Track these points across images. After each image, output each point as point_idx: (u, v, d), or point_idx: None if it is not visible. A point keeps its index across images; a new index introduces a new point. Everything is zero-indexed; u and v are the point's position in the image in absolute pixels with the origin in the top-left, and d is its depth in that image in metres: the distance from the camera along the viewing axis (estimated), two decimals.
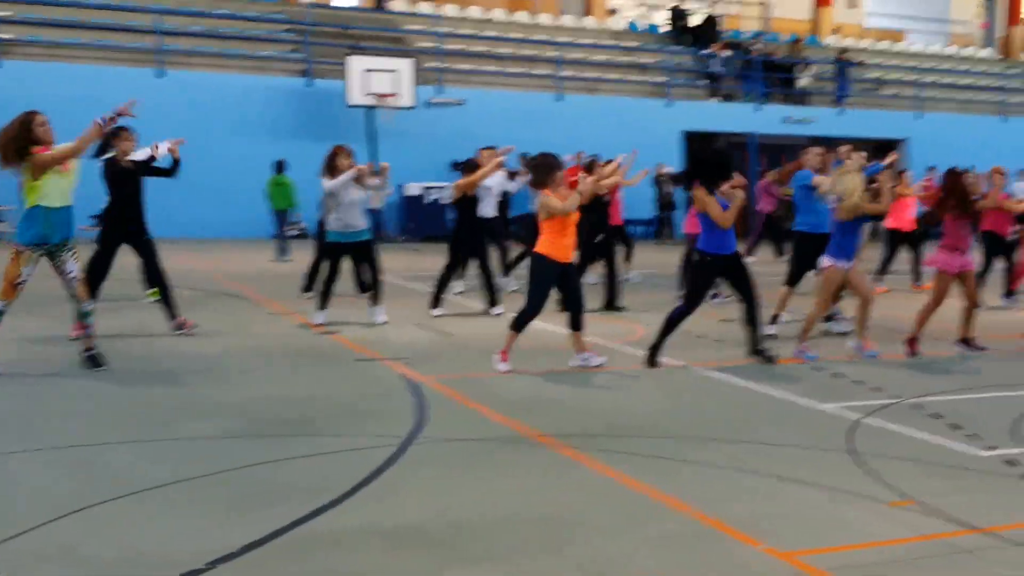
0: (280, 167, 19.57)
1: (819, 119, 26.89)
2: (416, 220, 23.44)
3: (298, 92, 23.39)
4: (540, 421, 7.39)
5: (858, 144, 24.97)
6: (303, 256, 19.06)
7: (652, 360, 9.52)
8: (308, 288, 13.50)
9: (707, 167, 9.61)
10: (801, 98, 27.84)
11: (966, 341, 10.56)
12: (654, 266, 18.13)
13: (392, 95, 22.34)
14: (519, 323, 9.29)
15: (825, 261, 10.05)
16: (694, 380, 9.08)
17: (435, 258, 18.94)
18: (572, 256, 9.39)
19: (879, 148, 27.16)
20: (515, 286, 14.49)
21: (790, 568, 4.80)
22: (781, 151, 25.66)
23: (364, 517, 5.40)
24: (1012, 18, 34.39)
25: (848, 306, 11.46)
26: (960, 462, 6.57)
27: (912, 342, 10.35)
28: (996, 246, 14.04)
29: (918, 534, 5.23)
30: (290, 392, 8.36)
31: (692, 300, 9.57)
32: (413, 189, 23.24)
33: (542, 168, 9.24)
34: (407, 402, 7.96)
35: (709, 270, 9.58)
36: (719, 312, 12.61)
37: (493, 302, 12.55)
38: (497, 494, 5.82)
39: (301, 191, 19.55)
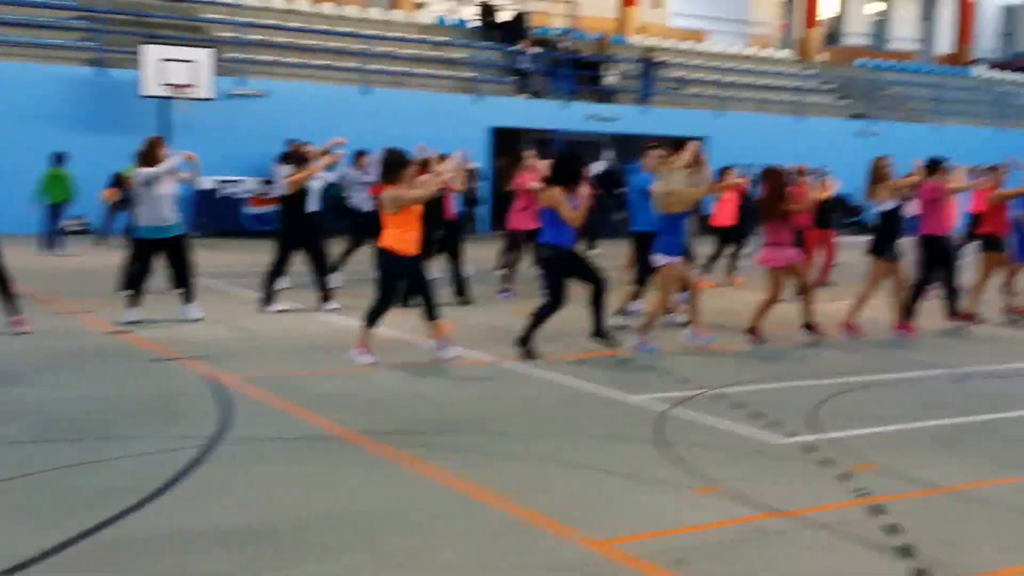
0: (59, 159, 18.89)
1: (624, 117, 27.60)
2: (209, 215, 22.84)
3: (88, 82, 22.53)
4: (352, 419, 7.36)
5: (660, 141, 25.87)
6: (82, 251, 18.52)
7: (527, 352, 9.80)
8: (128, 286, 13.01)
9: (567, 168, 9.89)
10: (607, 96, 28.51)
11: (809, 327, 11.13)
12: (471, 260, 18.21)
13: (190, 86, 21.77)
14: (371, 317, 9.42)
15: (659, 260, 10.39)
16: (504, 375, 9.20)
17: (230, 254, 18.62)
18: (418, 248, 9.51)
19: (681, 146, 28.15)
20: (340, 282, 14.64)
21: (604, 556, 4.93)
22: (586, 148, 26.21)
23: (174, 519, 5.28)
24: (809, 20, 36.10)
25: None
26: (762, 449, 6.87)
27: (753, 331, 10.93)
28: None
29: (726, 519, 5.46)
30: (88, 393, 8.09)
31: (555, 295, 9.81)
32: (206, 183, 22.67)
33: (393, 165, 9.36)
34: (212, 402, 7.79)
35: (559, 263, 9.81)
36: (516, 307, 12.74)
37: (326, 298, 12.43)
38: (310, 493, 5.77)
39: (86, 184, 18.90)
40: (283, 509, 5.51)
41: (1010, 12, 43.61)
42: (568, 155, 10.28)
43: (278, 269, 12.41)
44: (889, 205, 11.39)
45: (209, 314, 11.66)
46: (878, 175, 11.42)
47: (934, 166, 12.13)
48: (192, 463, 6.21)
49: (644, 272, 11.66)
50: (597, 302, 9.99)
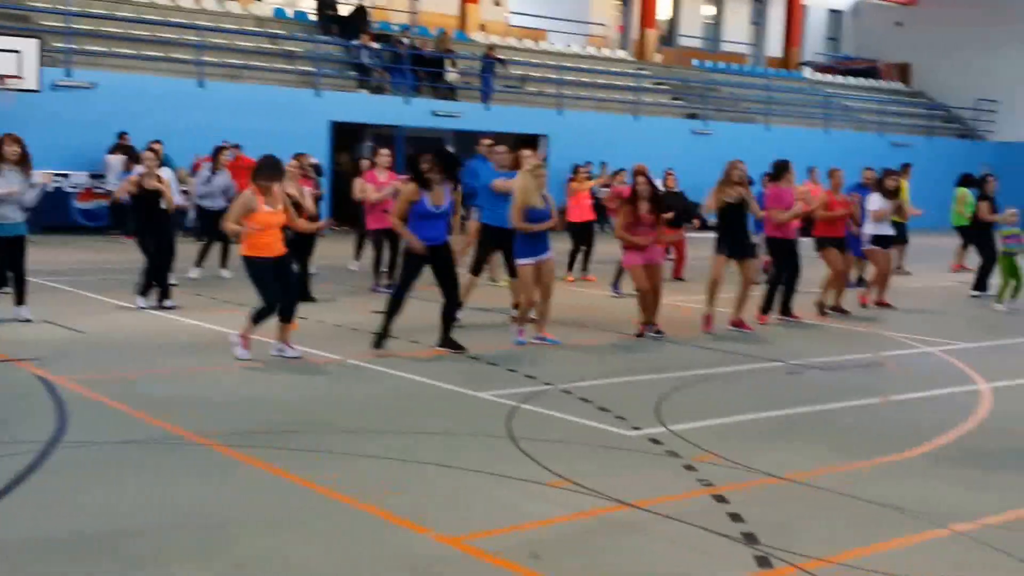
0: None
1: (466, 114, 27.66)
2: (36, 210, 21.90)
3: None
4: (196, 421, 7.21)
5: (502, 139, 26.07)
6: None
7: (379, 343, 9.89)
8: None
9: (445, 164, 9.96)
10: (449, 92, 28.54)
11: (649, 324, 11.36)
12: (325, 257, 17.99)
13: (14, 76, 20.89)
14: (258, 318, 9.39)
15: (518, 262, 10.50)
16: (354, 373, 9.15)
17: (60, 251, 17.94)
18: (282, 249, 9.49)
19: (522, 143, 28.41)
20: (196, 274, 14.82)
21: (456, 552, 4.97)
22: (428, 144, 26.20)
23: (8, 530, 5.08)
24: (646, 21, 36.82)
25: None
26: (611, 443, 7.02)
27: (644, 325, 11.25)
28: None
29: (578, 511, 5.56)
30: None
31: (405, 283, 9.93)
32: (37, 177, 21.79)
33: (269, 168, 9.44)
34: (46, 406, 7.52)
35: (419, 258, 9.84)
36: (372, 304, 12.70)
37: (164, 295, 12.15)
38: (154, 498, 5.63)
39: None
40: (125, 515, 5.36)
41: (836, 17, 45.40)
42: (434, 150, 10.31)
43: (153, 266, 12.13)
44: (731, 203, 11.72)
45: (41, 314, 11.22)
46: (726, 177, 11.68)
47: (779, 170, 12.58)
48: (26, 470, 5.98)
49: (480, 263, 11.76)
50: (448, 311, 10.09)
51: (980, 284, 15.97)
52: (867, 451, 7.00)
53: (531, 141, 29.00)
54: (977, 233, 16.59)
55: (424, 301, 11.29)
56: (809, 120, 35.27)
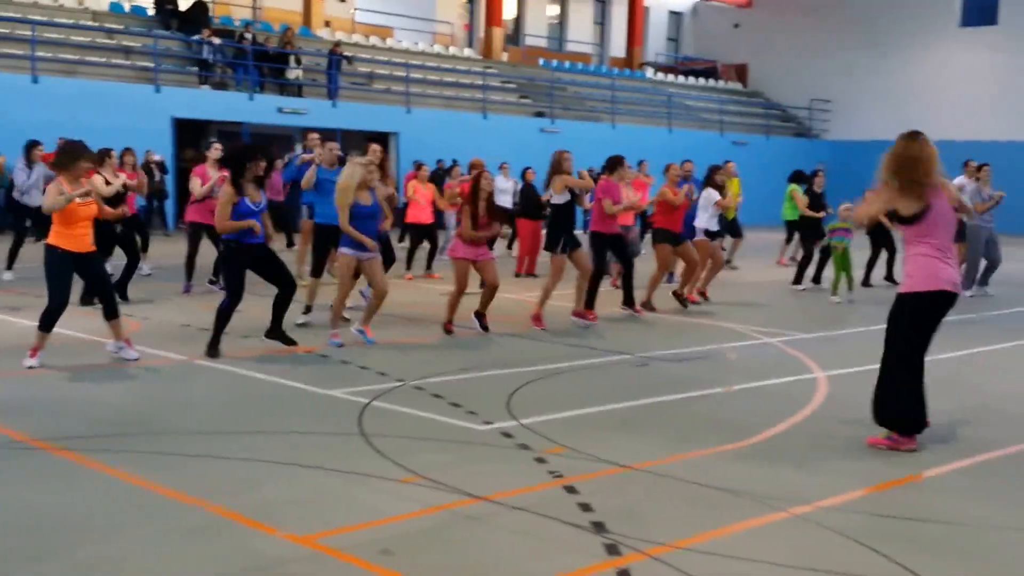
0: None
1: (313, 111, 27.38)
2: None
3: None
4: (28, 424, 6.97)
5: (351, 136, 25.88)
6: None
7: (215, 350, 9.56)
8: None
9: (233, 162, 9.70)
10: (295, 89, 28.20)
11: (479, 315, 11.40)
12: (158, 256, 17.57)
13: None
14: (45, 322, 8.92)
15: (340, 251, 10.36)
16: (201, 374, 8.97)
17: None
18: (90, 245, 9.10)
19: (371, 141, 28.26)
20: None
21: (308, 551, 4.92)
22: (275, 141, 25.85)
23: None
24: (492, 20, 37.04)
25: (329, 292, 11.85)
26: (462, 437, 7.04)
27: (448, 324, 11.22)
28: None
29: (429, 507, 5.56)
30: None
31: (234, 291, 9.63)
32: None
33: (70, 153, 9.01)
34: None
35: (239, 259, 9.62)
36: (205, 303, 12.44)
37: None
38: None
39: None
40: None
41: (676, 19, 46.50)
42: (235, 148, 10.13)
43: None
44: (560, 200, 11.85)
45: None
46: (556, 168, 11.85)
47: (612, 164, 12.78)
48: None
49: (320, 265, 11.65)
50: (280, 304, 9.91)
51: (799, 277, 16.57)
52: (711, 439, 7.19)
53: (381, 139, 29.04)
54: (803, 227, 17.23)
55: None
56: (653, 119, 36.03)
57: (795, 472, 6.48)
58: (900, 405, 6.99)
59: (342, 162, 11.25)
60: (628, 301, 13.13)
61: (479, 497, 5.71)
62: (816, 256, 16.58)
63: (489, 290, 11.30)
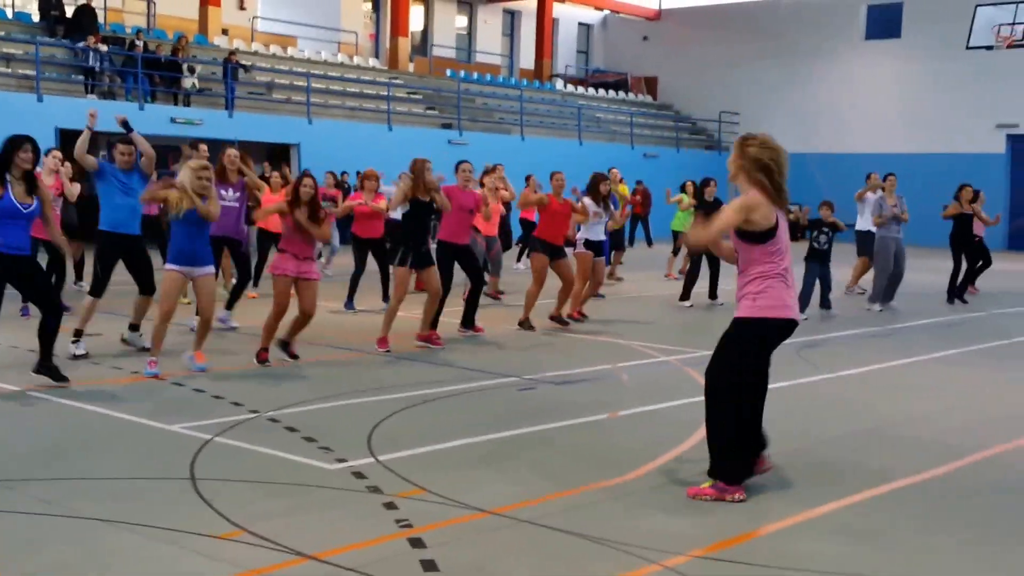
0: None
1: (208, 121, 26.34)
2: None
3: None
4: None
5: (249, 147, 24.92)
6: None
7: (50, 376, 8.64)
8: None
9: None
10: (189, 99, 27.14)
11: (285, 345, 10.34)
12: None
13: None
14: None
15: (166, 267, 9.48)
16: (29, 406, 8.07)
17: None
18: None
19: (272, 152, 27.31)
20: None
21: None
22: (169, 152, 24.77)
23: None
24: (398, 30, 36.19)
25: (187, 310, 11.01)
26: (307, 479, 6.28)
27: (263, 352, 10.09)
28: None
29: (241, 570, 4.78)
30: None
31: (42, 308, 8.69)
32: None
33: None
34: None
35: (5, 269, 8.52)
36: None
37: None
38: None
39: None
40: None
41: (586, 31, 46.12)
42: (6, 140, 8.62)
43: None
44: (397, 215, 11.06)
45: None
46: (419, 176, 11.00)
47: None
48: None
49: (104, 279, 10.30)
50: (42, 329, 8.66)
51: (686, 293, 15.77)
52: (586, 475, 6.52)
53: (281, 150, 28.10)
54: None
55: (147, 320, 10.26)
56: (563, 131, 35.50)
57: (672, 515, 5.82)
58: (724, 449, 6.18)
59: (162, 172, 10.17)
60: (467, 321, 12.36)
61: (305, 555, 4.95)
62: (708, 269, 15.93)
63: (302, 317, 10.20)
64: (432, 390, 9.05)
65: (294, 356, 10.24)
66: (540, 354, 11.20)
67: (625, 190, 19.07)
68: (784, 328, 6.21)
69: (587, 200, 13.49)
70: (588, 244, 13.59)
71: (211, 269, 9.68)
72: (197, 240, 9.43)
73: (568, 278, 13.02)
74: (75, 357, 9.91)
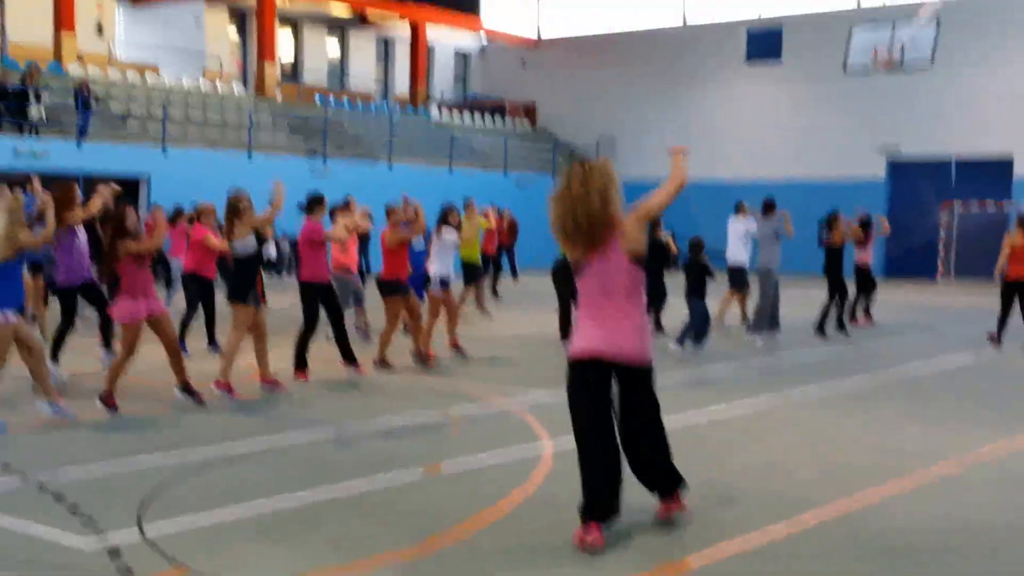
0: None
1: (55, 152, 25.14)
2: None
3: None
4: None
5: (100, 181, 23.77)
6: None
7: None
8: None
9: None
10: (36, 129, 25.89)
11: (186, 387, 9.78)
12: None
13: None
14: None
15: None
16: None
17: None
18: None
19: (123, 185, 26.11)
20: None
21: None
22: (11, 185, 23.49)
23: None
24: (265, 55, 35.24)
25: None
26: (53, 560, 5.47)
27: (108, 396, 9.36)
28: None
29: None
30: None
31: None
32: None
33: None
34: None
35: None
36: None
37: None
38: None
39: None
40: None
41: (464, 58, 45.70)
42: None
43: None
44: (246, 248, 10.34)
45: None
46: (234, 210, 10.30)
47: (311, 204, 11.56)
48: None
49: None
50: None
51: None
52: (380, 543, 5.84)
53: (130, 183, 26.93)
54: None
55: None
56: (434, 158, 34.89)
57: None
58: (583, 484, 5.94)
59: None
60: (348, 356, 11.73)
61: None
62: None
63: (171, 353, 9.65)
64: (242, 441, 8.31)
65: (201, 401, 9.71)
66: (368, 400, 10.46)
67: (485, 223, 18.38)
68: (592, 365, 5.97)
69: (445, 232, 13.01)
70: (442, 282, 12.99)
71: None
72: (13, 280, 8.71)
73: (415, 312, 12.39)
74: None
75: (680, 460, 6.36)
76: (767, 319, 15.33)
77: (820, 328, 16.20)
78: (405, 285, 12.18)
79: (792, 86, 37.51)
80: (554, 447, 8.29)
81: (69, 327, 11.17)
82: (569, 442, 6.24)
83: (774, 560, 5.74)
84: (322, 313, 11.55)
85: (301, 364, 11.33)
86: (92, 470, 7.37)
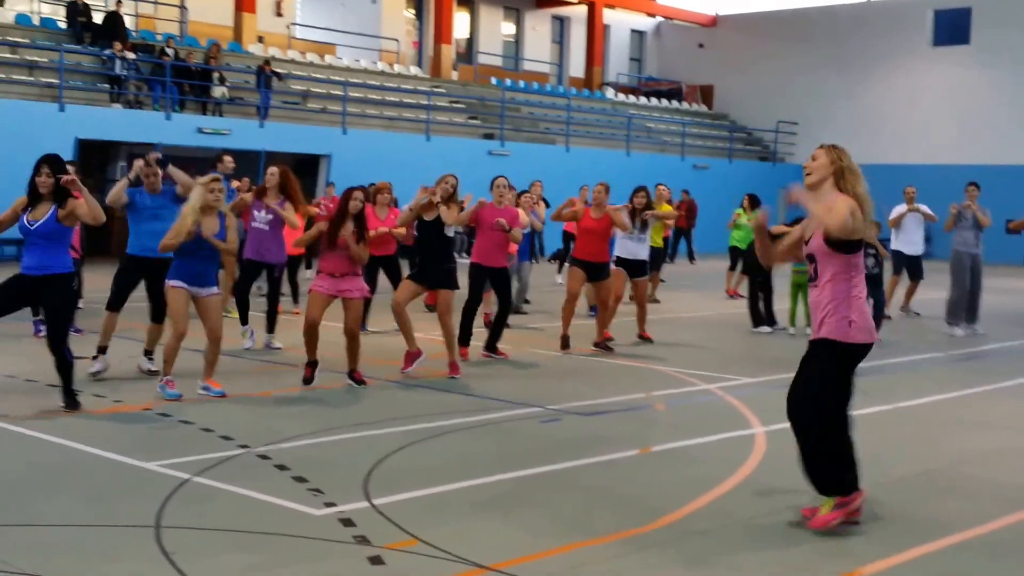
0: None
1: (237, 131, 26.01)
2: None
3: None
4: None
5: (281, 159, 24.57)
6: None
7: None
8: None
9: None
10: (218, 108, 26.85)
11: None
12: None
13: None
14: None
15: (168, 283, 9.03)
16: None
17: None
18: None
19: (301, 163, 26.92)
20: None
21: None
22: (195, 163, 24.48)
23: None
24: (442, 37, 35.81)
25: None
26: (288, 527, 5.72)
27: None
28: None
29: None
30: None
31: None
32: None
33: None
34: None
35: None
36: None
37: None
38: None
39: None
40: None
41: (639, 38, 45.47)
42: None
43: None
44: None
45: None
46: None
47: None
48: None
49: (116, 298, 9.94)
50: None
51: (756, 319, 14.82)
52: (603, 524, 5.92)
53: (311, 161, 27.75)
54: (750, 255, 15.57)
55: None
56: (610, 141, 34.87)
57: (691, 569, 5.19)
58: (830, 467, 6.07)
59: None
60: (491, 345, 11.81)
61: None
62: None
63: (346, 338, 9.82)
64: (449, 421, 8.49)
65: (360, 381, 9.83)
66: (571, 381, 10.57)
67: (667, 208, 18.13)
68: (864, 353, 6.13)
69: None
70: (620, 262, 12.95)
71: (216, 290, 9.21)
72: (201, 260, 9.02)
73: (603, 300, 12.45)
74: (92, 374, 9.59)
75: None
76: (963, 309, 14.87)
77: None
78: (593, 267, 12.18)
79: (980, 69, 36.21)
80: (766, 434, 8.23)
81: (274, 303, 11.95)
82: (783, 429, 6.22)
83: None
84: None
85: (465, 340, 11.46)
86: (310, 444, 7.65)
